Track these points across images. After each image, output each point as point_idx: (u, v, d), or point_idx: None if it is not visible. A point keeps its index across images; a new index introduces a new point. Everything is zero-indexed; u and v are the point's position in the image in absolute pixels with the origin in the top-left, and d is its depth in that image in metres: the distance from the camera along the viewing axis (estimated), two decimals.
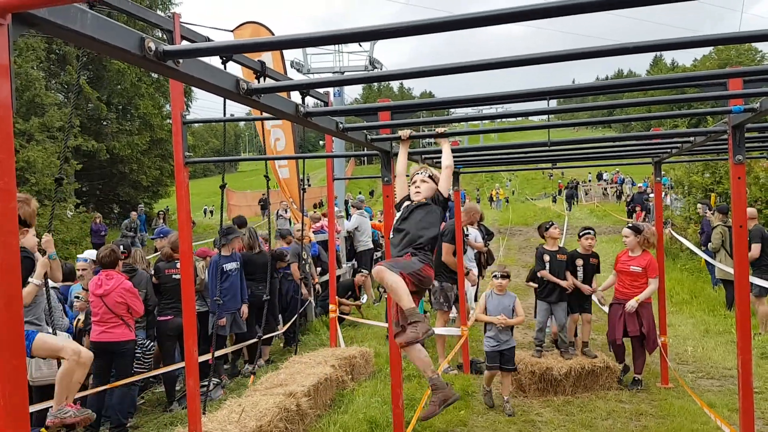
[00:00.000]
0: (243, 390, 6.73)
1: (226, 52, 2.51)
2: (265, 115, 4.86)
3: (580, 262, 7.16)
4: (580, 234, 7.48)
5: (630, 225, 7.43)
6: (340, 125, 3.42)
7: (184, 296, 4.68)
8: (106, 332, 5.90)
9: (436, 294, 7.90)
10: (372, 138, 3.98)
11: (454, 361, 7.82)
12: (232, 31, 9.61)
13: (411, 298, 3.37)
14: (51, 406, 5.41)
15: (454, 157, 6.83)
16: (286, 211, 21.20)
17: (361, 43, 31.06)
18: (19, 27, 1.39)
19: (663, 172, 7.37)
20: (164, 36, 4.65)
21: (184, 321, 4.68)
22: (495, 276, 6.33)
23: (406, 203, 3.91)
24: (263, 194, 36.32)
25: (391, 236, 3.88)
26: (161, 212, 23.79)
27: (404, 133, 4.04)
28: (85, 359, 4.53)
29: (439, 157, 4.31)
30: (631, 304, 6.72)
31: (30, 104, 23.27)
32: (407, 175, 4.18)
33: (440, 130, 4.16)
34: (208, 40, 4.86)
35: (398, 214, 3.91)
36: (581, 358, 6.90)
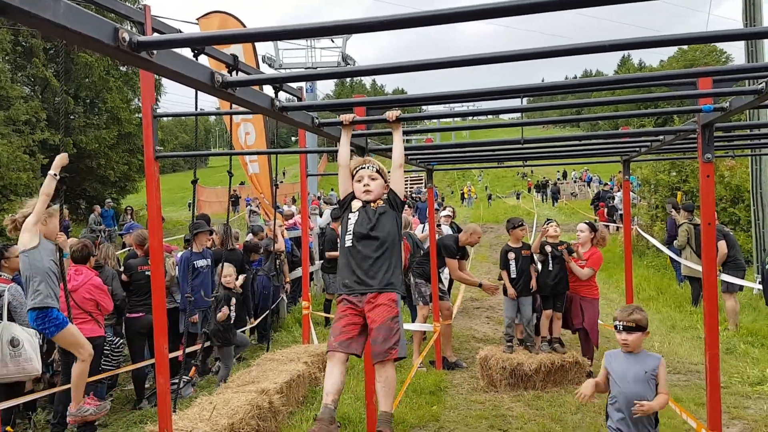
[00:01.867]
0: (214, 388, 6.67)
1: (202, 44, 2.48)
2: (237, 109, 4.82)
3: (548, 249, 7.23)
4: (544, 223, 7.61)
5: (588, 222, 7.63)
6: (316, 120, 3.41)
7: (154, 293, 4.62)
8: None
9: (413, 290, 7.95)
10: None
11: (426, 358, 7.86)
12: (197, 19, 9.34)
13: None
14: (17, 405, 5.34)
15: (427, 155, 6.93)
16: (258, 207, 21.03)
17: (334, 39, 30.97)
18: None
19: (630, 171, 7.50)
20: (135, 28, 4.57)
21: (155, 318, 4.60)
22: (616, 327, 3.90)
23: (358, 204, 3.41)
24: (234, 190, 36.03)
25: (356, 241, 3.31)
26: (129, 208, 23.41)
27: (346, 117, 3.48)
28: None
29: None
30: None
31: None
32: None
33: (392, 113, 3.40)
34: (180, 32, 4.79)
35: (354, 217, 3.37)
36: (551, 353, 7.00)
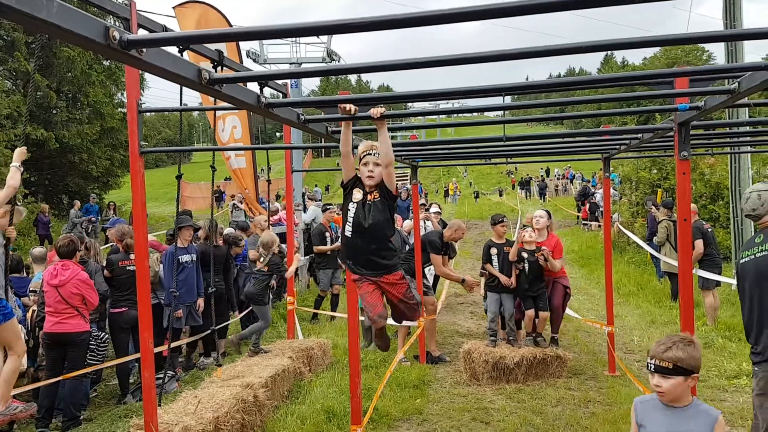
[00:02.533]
0: (198, 383, 6.69)
1: (190, 43, 2.51)
2: (222, 104, 4.85)
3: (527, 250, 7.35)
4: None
5: (546, 210, 7.91)
6: (301, 117, 3.45)
7: (139, 288, 4.64)
8: (60, 323, 5.78)
9: None
10: (333, 130, 4.01)
11: (410, 352, 7.93)
12: (174, 8, 9.20)
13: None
14: None
15: (412, 151, 7.00)
16: (241, 202, 20.93)
17: (319, 36, 30.91)
18: None
19: (612, 168, 7.64)
20: (120, 24, 4.57)
21: (140, 313, 4.64)
22: (648, 367, 2.77)
23: (358, 194, 3.62)
24: (218, 186, 35.84)
25: (355, 233, 3.61)
26: (111, 203, 23.23)
27: (347, 107, 3.37)
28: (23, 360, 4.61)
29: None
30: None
31: None
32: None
33: (377, 110, 3.41)
34: (165, 28, 4.80)
35: (354, 208, 3.62)
36: (533, 348, 7.11)
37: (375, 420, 5.84)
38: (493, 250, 7.31)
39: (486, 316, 7.82)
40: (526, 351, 6.98)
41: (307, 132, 3.86)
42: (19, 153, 4.86)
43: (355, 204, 3.64)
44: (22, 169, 4.83)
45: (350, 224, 3.65)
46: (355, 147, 3.73)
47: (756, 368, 3.96)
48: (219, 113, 8.99)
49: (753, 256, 4.00)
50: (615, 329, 7.54)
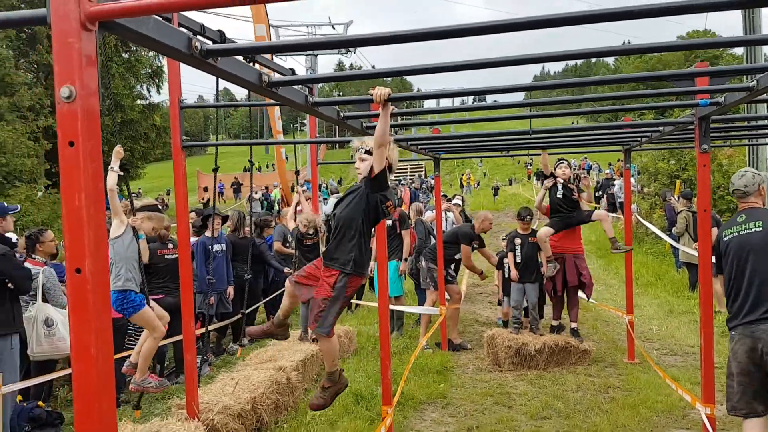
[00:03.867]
0: (229, 367, 6.97)
1: (258, 53, 2.75)
2: (267, 101, 5.06)
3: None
4: (555, 165, 7.70)
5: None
6: (341, 114, 3.67)
7: (182, 274, 4.88)
8: None
9: (425, 274, 8.24)
10: (367, 126, 4.22)
11: (431, 340, 8.16)
12: None
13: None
14: (50, 380, 5.63)
15: (437, 144, 7.20)
16: (256, 192, 21.30)
17: (335, 27, 31.07)
18: (102, 31, 1.61)
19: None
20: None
21: (182, 298, 4.87)
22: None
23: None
24: (235, 177, 36.19)
25: (330, 219, 3.85)
26: (138, 191, 23.62)
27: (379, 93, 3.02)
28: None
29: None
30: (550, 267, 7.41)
31: (0, 84, 22.80)
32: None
33: (380, 94, 3.01)
34: (203, 29, 5.01)
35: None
36: (555, 335, 7.32)
37: (402, 402, 6.07)
38: (518, 241, 7.52)
39: (504, 308, 8.09)
40: (549, 338, 7.19)
41: (346, 128, 4.05)
42: (116, 154, 4.82)
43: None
44: (118, 171, 4.82)
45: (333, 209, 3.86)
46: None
47: (732, 332, 4.14)
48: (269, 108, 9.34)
49: (737, 234, 4.11)
50: (634, 318, 7.70)
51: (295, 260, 7.73)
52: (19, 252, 5.96)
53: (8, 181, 21.44)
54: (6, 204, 5.88)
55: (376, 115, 3.59)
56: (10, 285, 4.59)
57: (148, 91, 32.74)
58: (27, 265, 5.35)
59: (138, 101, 30.43)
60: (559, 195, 7.46)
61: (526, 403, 6.15)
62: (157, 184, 37.09)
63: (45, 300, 5.51)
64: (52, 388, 6.33)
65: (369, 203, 3.52)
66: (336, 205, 3.73)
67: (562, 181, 7.46)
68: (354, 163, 3.71)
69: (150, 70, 30.87)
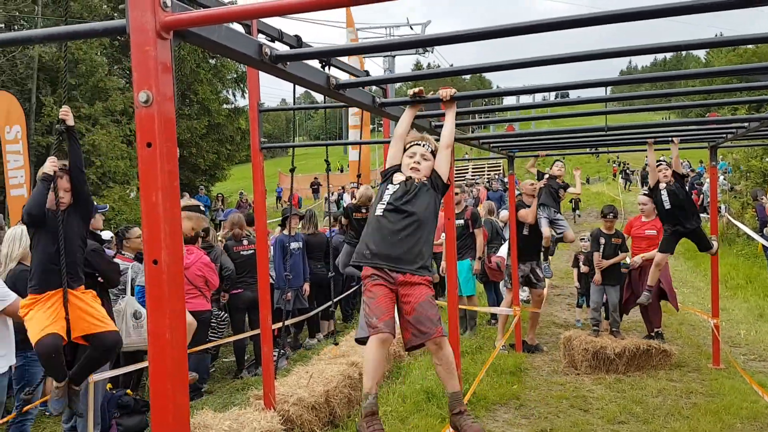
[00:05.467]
0: (305, 361, 7.17)
1: (326, 56, 2.85)
2: (333, 102, 5.19)
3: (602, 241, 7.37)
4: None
5: (645, 192, 7.70)
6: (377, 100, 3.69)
7: (260, 269, 5.06)
8: (186, 302, 6.39)
9: (505, 273, 8.21)
10: (435, 125, 4.26)
11: (507, 341, 8.09)
12: None
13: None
14: (138, 369, 5.98)
15: (513, 142, 7.13)
16: (332, 194, 21.73)
17: (413, 27, 31.21)
18: (177, 39, 1.74)
19: (720, 157, 7.45)
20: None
21: (260, 292, 5.05)
22: None
23: (400, 177, 3.19)
24: (315, 177, 36.94)
25: (387, 212, 3.08)
26: (219, 195, 24.61)
27: (415, 90, 3.22)
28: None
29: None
30: (636, 260, 7.19)
31: (94, 89, 24.28)
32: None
33: (446, 92, 3.17)
34: (281, 34, 5.18)
35: (393, 188, 3.15)
36: (636, 338, 7.11)
37: (473, 402, 6.06)
38: (602, 239, 7.36)
39: (584, 308, 7.90)
40: (629, 342, 6.98)
41: (383, 116, 3.98)
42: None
43: (396, 185, 3.17)
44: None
45: (383, 203, 3.12)
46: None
47: None
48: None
49: None
50: (721, 322, 7.36)
51: (348, 233, 7.82)
52: (111, 248, 6.38)
53: (103, 183, 22.82)
54: (96, 203, 6.30)
55: (443, 115, 3.60)
56: (100, 279, 4.91)
57: (234, 96, 34.05)
58: (116, 260, 5.71)
59: (224, 105, 31.65)
60: (667, 203, 6.36)
61: (603, 407, 6.00)
62: (241, 185, 38.48)
63: (134, 294, 5.86)
64: (141, 377, 6.71)
65: (437, 206, 3.22)
66: (399, 197, 3.11)
67: (665, 183, 6.44)
68: (412, 157, 3.23)
69: (236, 75, 32.02)
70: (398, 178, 3.18)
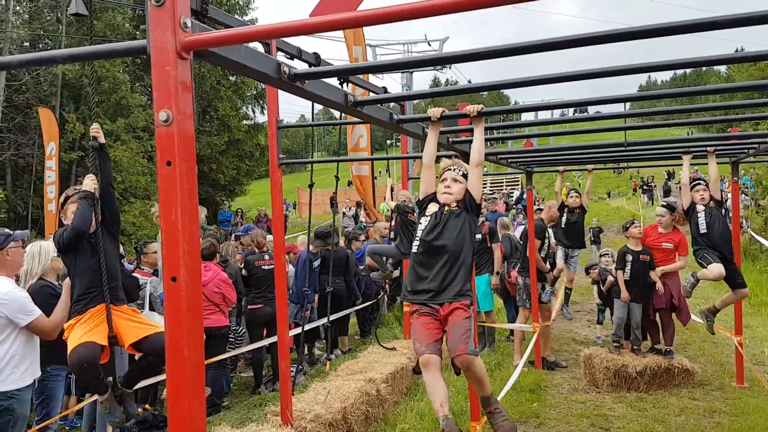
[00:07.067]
0: (322, 377, 7.14)
1: (343, 75, 2.88)
2: (351, 119, 5.22)
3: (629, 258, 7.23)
4: (693, 185, 6.20)
5: (664, 204, 7.59)
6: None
7: (278, 284, 5.08)
8: (204, 318, 6.43)
9: (521, 291, 8.11)
10: (453, 141, 4.26)
11: (526, 358, 8.00)
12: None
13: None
14: (156, 384, 6.00)
15: (530, 158, 7.10)
16: (349, 209, 21.73)
17: (430, 43, 31.38)
18: (197, 59, 1.77)
19: (742, 172, 7.35)
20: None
21: (278, 308, 5.07)
22: None
23: (433, 207, 3.39)
24: (334, 192, 37.10)
25: (418, 252, 3.33)
26: (239, 210, 24.80)
27: (434, 111, 3.32)
28: None
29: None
30: (656, 271, 7.05)
31: (117, 106, 24.70)
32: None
33: (473, 107, 3.27)
34: (300, 52, 5.24)
35: (425, 221, 3.37)
36: (658, 357, 6.97)
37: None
38: (628, 257, 7.19)
39: (605, 325, 7.77)
40: (651, 360, 6.86)
41: (401, 133, 4.01)
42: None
43: (428, 217, 3.38)
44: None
45: (418, 240, 3.37)
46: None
47: None
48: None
49: None
50: (744, 340, 7.22)
51: (397, 235, 7.49)
52: (129, 261, 6.44)
53: (124, 198, 23.14)
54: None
55: (463, 130, 3.68)
56: None
57: (253, 112, 34.41)
58: (135, 275, 5.76)
59: (244, 121, 32.00)
60: (703, 227, 5.96)
61: (624, 425, 5.90)
62: (260, 200, 38.74)
63: (152, 308, 5.91)
64: (158, 392, 6.74)
65: (472, 228, 3.36)
66: (429, 231, 3.32)
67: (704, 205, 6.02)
68: (443, 182, 3.44)
69: (255, 92, 32.38)
70: (431, 209, 3.39)
